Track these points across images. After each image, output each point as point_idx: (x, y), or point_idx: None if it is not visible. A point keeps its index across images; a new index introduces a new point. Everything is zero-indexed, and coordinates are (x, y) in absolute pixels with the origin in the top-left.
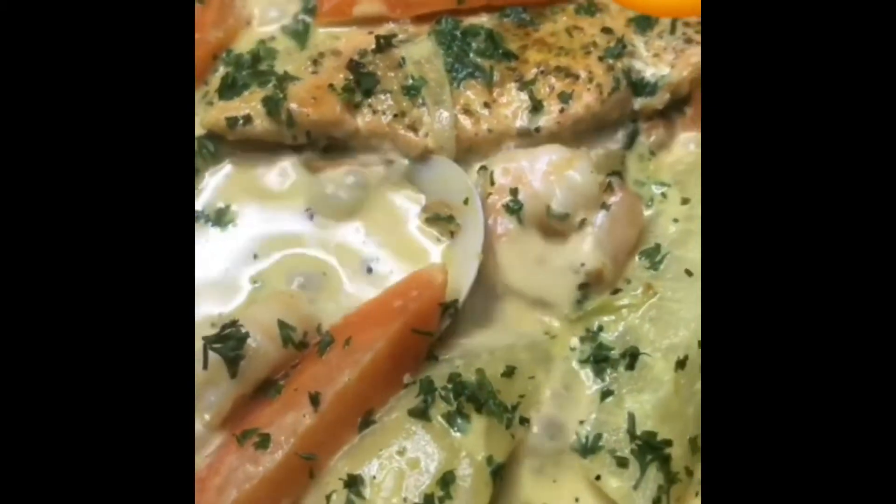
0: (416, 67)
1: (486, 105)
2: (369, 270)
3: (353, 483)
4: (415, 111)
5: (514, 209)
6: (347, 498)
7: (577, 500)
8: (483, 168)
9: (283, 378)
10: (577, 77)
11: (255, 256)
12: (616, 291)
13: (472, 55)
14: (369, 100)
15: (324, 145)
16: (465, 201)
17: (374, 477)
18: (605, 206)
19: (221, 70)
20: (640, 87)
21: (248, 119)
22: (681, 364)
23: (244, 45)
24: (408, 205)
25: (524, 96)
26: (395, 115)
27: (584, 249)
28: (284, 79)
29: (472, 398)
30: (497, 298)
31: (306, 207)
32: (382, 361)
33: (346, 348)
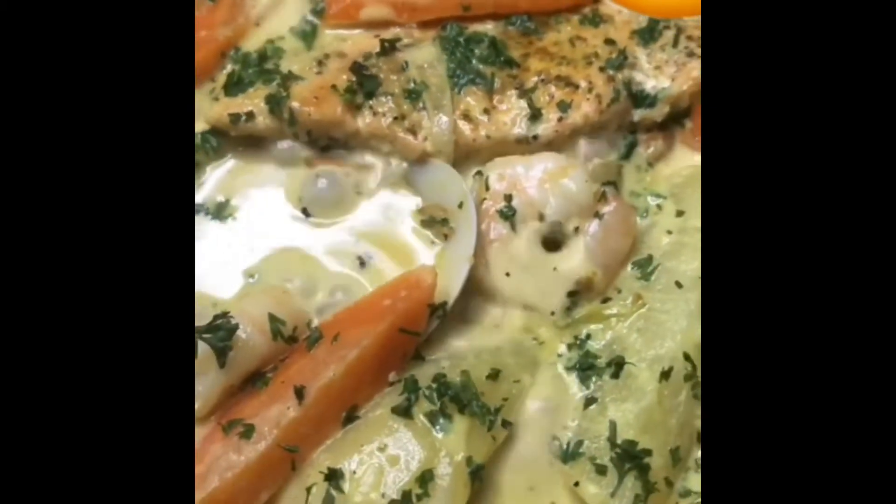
0: (418, 72)
1: (486, 111)
2: (362, 269)
3: (333, 476)
4: (415, 115)
5: (508, 215)
6: (327, 491)
7: None
8: (478, 173)
9: (272, 371)
10: (576, 86)
11: (252, 251)
12: (606, 300)
13: (474, 62)
14: (370, 102)
15: (324, 144)
16: (460, 205)
17: (355, 472)
18: (598, 215)
19: (229, 67)
20: (640, 98)
21: (250, 116)
22: (665, 375)
23: (252, 43)
24: (403, 206)
25: (524, 104)
26: (396, 118)
27: (576, 257)
28: (289, 78)
29: (456, 399)
30: (486, 302)
31: (303, 206)
32: (369, 359)
33: (333, 344)
